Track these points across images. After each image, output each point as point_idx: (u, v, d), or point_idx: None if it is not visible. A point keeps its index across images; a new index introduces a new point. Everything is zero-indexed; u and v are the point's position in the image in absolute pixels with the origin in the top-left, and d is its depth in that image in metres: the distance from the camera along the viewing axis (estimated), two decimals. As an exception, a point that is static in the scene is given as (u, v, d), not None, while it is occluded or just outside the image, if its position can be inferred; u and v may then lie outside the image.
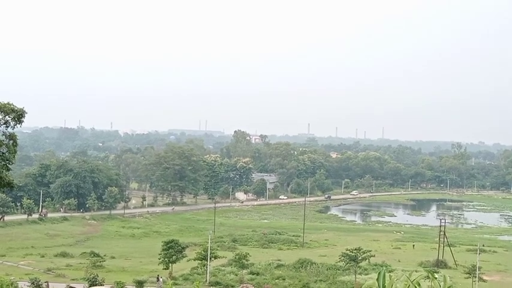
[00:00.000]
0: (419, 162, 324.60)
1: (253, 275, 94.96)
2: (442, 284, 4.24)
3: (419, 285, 4.34)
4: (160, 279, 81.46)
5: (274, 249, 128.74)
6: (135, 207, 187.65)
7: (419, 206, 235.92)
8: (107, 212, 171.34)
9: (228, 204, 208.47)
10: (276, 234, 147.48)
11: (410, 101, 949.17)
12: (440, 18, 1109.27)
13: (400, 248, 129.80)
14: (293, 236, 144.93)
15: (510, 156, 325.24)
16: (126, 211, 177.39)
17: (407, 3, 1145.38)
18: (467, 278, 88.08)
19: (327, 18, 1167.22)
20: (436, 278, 4.45)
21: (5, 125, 45.47)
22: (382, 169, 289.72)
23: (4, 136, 45.85)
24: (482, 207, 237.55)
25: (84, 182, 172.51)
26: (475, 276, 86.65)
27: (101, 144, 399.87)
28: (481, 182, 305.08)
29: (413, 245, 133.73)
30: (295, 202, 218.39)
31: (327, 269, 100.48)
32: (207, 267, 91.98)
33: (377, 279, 4.38)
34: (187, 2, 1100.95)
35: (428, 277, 5.17)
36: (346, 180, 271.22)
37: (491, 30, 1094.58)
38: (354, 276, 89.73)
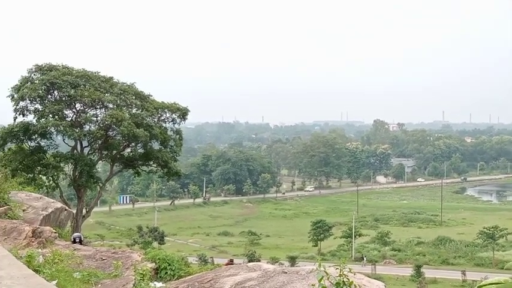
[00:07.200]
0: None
1: (395, 251, 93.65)
2: None
3: None
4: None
5: (414, 227, 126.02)
6: (286, 191, 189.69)
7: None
8: (261, 195, 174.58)
9: (370, 187, 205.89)
10: (415, 214, 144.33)
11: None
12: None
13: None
14: (431, 215, 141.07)
15: None
16: (278, 195, 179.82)
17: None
18: None
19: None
20: None
21: (172, 122, 47.28)
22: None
23: (172, 132, 47.66)
24: None
25: (241, 169, 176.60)
26: None
27: (254, 136, 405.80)
28: None
29: None
30: (432, 184, 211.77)
31: (465, 246, 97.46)
32: (352, 244, 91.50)
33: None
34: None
35: None
36: (481, 163, 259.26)
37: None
38: (492, 252, 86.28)
